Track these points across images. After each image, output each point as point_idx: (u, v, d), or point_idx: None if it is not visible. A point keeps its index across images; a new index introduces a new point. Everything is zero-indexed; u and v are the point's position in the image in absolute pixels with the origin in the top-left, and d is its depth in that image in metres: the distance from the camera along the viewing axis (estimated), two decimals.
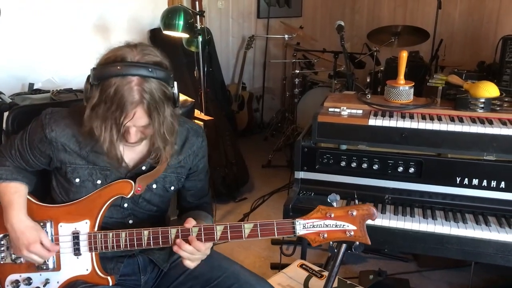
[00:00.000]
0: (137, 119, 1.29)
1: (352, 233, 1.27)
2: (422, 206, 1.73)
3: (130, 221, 1.51)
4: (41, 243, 1.40)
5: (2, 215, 1.46)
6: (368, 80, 3.95)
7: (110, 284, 1.44)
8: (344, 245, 1.92)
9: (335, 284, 2.23)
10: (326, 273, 2.37)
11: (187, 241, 1.34)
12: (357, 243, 1.30)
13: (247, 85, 5.16)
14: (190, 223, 1.36)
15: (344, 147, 1.81)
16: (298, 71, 4.35)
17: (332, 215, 1.27)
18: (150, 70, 1.27)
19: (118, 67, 1.25)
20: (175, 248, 1.35)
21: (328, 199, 1.29)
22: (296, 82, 4.34)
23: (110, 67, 1.26)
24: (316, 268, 2.42)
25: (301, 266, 2.44)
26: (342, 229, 1.28)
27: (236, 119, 4.89)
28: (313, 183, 1.84)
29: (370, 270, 2.56)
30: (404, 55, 1.86)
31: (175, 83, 1.35)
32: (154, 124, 1.31)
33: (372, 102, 1.87)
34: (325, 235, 1.28)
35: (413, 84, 1.88)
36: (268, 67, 5.15)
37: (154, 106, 1.28)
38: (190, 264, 1.38)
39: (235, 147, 3.73)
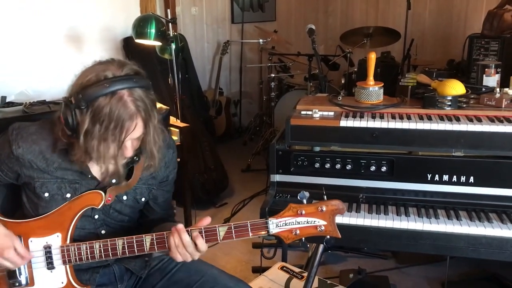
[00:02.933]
0: (135, 131, 1.30)
1: (323, 228, 1.31)
2: (396, 204, 1.76)
3: (103, 231, 1.51)
4: (15, 250, 1.38)
5: None
6: (342, 81, 4.01)
7: None
8: (321, 246, 1.96)
9: (316, 284, 2.26)
10: (306, 274, 2.39)
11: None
12: (328, 237, 1.33)
13: (224, 90, 5.18)
14: (207, 220, 1.37)
15: (317, 149, 1.84)
16: (274, 75, 4.39)
17: (303, 212, 1.31)
18: (134, 80, 1.29)
19: (106, 85, 1.25)
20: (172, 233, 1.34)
21: (298, 197, 1.33)
22: (273, 86, 4.38)
23: (95, 88, 1.25)
24: (297, 270, 2.44)
25: (282, 268, 2.46)
26: (313, 225, 1.31)
27: (214, 124, 4.90)
28: (288, 186, 1.85)
29: (350, 269, 2.60)
30: (372, 57, 1.90)
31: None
32: (149, 132, 1.33)
33: (343, 104, 1.90)
34: (298, 232, 1.32)
35: (382, 84, 1.92)
36: (244, 72, 5.18)
37: (148, 113, 1.31)
38: (178, 256, 1.36)
39: (214, 153, 3.74)
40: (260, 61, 5.02)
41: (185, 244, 1.33)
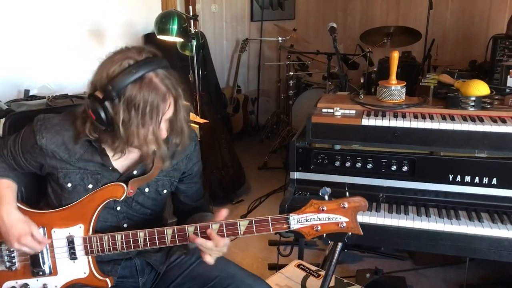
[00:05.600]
0: (169, 110, 1.33)
1: (345, 224, 1.31)
2: (416, 204, 1.75)
3: (125, 225, 1.52)
4: (32, 236, 1.41)
5: None
6: (361, 81, 3.98)
7: (109, 285, 1.46)
8: (340, 244, 1.96)
9: (332, 283, 2.25)
10: (323, 273, 2.39)
11: (207, 237, 1.35)
12: (350, 233, 1.33)
13: (242, 88, 5.19)
14: (223, 213, 1.37)
15: (338, 147, 1.83)
16: (292, 73, 4.39)
17: (325, 209, 1.31)
18: (155, 62, 1.31)
19: (133, 71, 1.27)
20: (198, 241, 1.35)
21: (320, 193, 1.32)
22: (291, 84, 4.37)
23: (123, 76, 1.26)
24: (313, 268, 2.43)
25: (299, 266, 2.46)
26: (335, 222, 1.31)
27: (232, 122, 4.92)
28: (308, 183, 1.85)
29: (366, 268, 2.58)
30: (395, 55, 1.89)
31: None
32: (179, 109, 1.35)
33: (365, 102, 1.89)
34: (319, 228, 1.32)
35: (404, 83, 1.90)
36: (262, 70, 5.18)
37: (177, 90, 1.33)
38: (208, 258, 1.37)
39: (231, 150, 3.75)
40: (278, 59, 5.02)
41: (208, 247, 1.35)
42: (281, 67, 5.04)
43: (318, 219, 1.32)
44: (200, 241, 1.34)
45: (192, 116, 2.85)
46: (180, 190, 1.62)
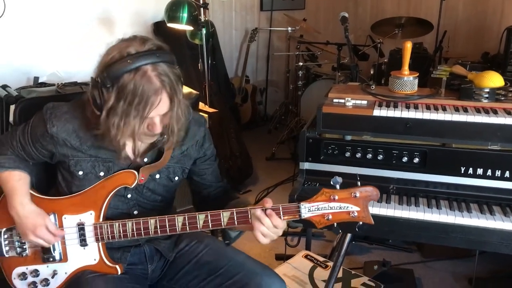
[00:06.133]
0: (160, 107, 1.30)
1: (356, 214, 1.30)
2: (427, 196, 1.74)
3: (135, 212, 1.52)
4: (47, 228, 1.41)
5: (4, 209, 1.47)
6: (371, 72, 3.95)
7: (119, 272, 1.46)
8: (349, 235, 1.95)
9: (340, 274, 2.25)
10: (330, 264, 2.39)
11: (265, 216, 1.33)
12: (361, 223, 1.33)
13: (250, 78, 5.17)
14: (269, 203, 1.34)
15: (348, 137, 1.82)
16: (301, 64, 4.36)
17: (336, 197, 1.30)
18: (157, 55, 1.29)
19: (128, 61, 1.25)
20: (256, 224, 1.33)
21: (332, 182, 1.32)
22: (300, 75, 4.34)
23: (119, 65, 1.26)
24: (321, 259, 2.44)
25: (306, 256, 2.46)
26: (346, 211, 1.31)
27: (240, 112, 4.90)
28: (318, 174, 1.85)
29: (374, 260, 2.58)
30: (408, 46, 1.86)
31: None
32: (174, 107, 1.33)
33: (376, 93, 1.87)
34: (330, 217, 1.31)
35: (417, 74, 1.88)
36: (271, 60, 5.15)
37: (173, 88, 1.30)
38: (264, 239, 1.35)
39: (239, 140, 3.74)
40: (287, 50, 4.99)
41: (268, 226, 1.33)
42: (290, 58, 5.00)
43: (329, 208, 1.31)
44: (265, 222, 1.32)
45: (201, 105, 2.85)
46: (196, 173, 1.61)
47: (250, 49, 4.92)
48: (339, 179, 1.32)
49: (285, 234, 2.80)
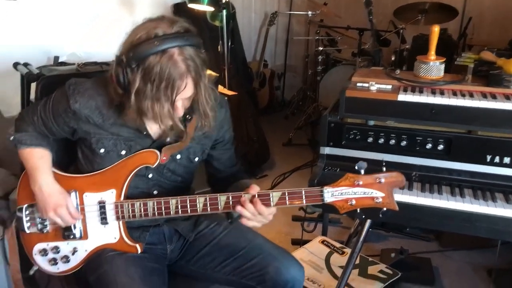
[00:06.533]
0: (186, 91, 1.29)
1: (380, 200, 1.28)
2: (450, 184, 1.70)
3: (155, 192, 1.52)
4: (67, 208, 1.42)
5: (26, 185, 1.48)
6: (393, 58, 3.87)
7: (139, 251, 1.47)
8: (368, 221, 1.93)
9: (357, 261, 2.24)
10: (347, 250, 2.38)
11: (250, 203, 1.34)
12: (385, 209, 1.31)
13: (268, 62, 5.12)
14: (255, 189, 1.35)
15: (371, 122, 1.78)
16: (321, 49, 4.30)
17: (360, 183, 1.28)
18: (185, 38, 1.27)
19: (156, 43, 1.23)
20: (238, 208, 1.35)
21: (356, 167, 1.30)
22: (319, 60, 4.29)
23: (146, 46, 1.24)
24: (338, 245, 2.42)
25: (323, 242, 2.45)
26: (370, 196, 1.29)
27: (257, 96, 4.87)
28: (338, 159, 1.82)
29: (391, 248, 2.55)
30: (436, 30, 1.81)
31: None
32: (200, 92, 1.32)
33: (401, 77, 1.83)
34: (353, 202, 1.30)
35: (444, 59, 1.83)
36: (290, 44, 5.09)
37: (198, 73, 1.29)
38: (248, 222, 1.37)
39: (257, 124, 3.72)
40: (307, 34, 4.91)
41: (253, 212, 1.35)
42: (310, 42, 4.94)
43: (353, 193, 1.29)
44: (247, 207, 1.33)
45: (220, 88, 2.83)
46: (213, 157, 1.61)
47: (269, 33, 4.87)
48: (364, 164, 1.29)
49: (301, 219, 2.80)
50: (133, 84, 1.27)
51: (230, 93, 2.69)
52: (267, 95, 4.94)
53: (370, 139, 1.78)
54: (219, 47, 3.23)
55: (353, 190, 1.29)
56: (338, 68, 4.16)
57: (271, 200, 1.33)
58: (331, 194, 1.30)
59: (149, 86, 1.26)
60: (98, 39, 3.10)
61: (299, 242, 2.59)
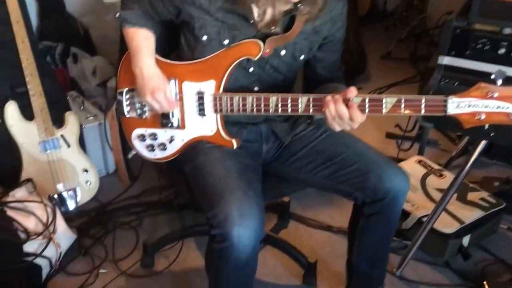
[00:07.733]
0: None
1: None
2: None
3: (256, 88, 1.44)
4: (165, 94, 1.38)
5: (127, 69, 1.45)
6: None
7: (235, 146, 1.42)
8: (483, 142, 1.73)
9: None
10: (445, 173, 2.21)
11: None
12: None
13: None
14: (353, 92, 1.23)
15: (507, 31, 1.52)
16: None
17: (496, 95, 1.09)
18: None
19: None
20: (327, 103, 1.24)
21: (493, 76, 1.10)
22: None
23: None
24: (436, 166, 2.26)
25: (419, 162, 2.30)
26: (505, 112, 1.10)
27: (357, 2, 4.49)
28: (459, 71, 1.59)
29: (495, 176, 2.35)
30: None
31: None
32: None
33: None
34: (483, 117, 1.12)
35: None
36: None
37: None
38: (335, 126, 1.27)
39: (357, 33, 3.46)
40: None
41: (341, 115, 1.22)
42: None
43: (484, 106, 1.11)
44: (339, 107, 1.21)
45: None
46: (317, 59, 1.48)
47: None
48: (504, 73, 1.09)
49: (397, 136, 2.64)
50: None
51: None
52: (368, 2, 4.55)
53: (501, 51, 1.52)
54: None
55: (484, 103, 1.11)
56: None
57: (384, 106, 1.20)
58: (456, 105, 1.13)
59: None
60: None
61: (394, 160, 2.45)
